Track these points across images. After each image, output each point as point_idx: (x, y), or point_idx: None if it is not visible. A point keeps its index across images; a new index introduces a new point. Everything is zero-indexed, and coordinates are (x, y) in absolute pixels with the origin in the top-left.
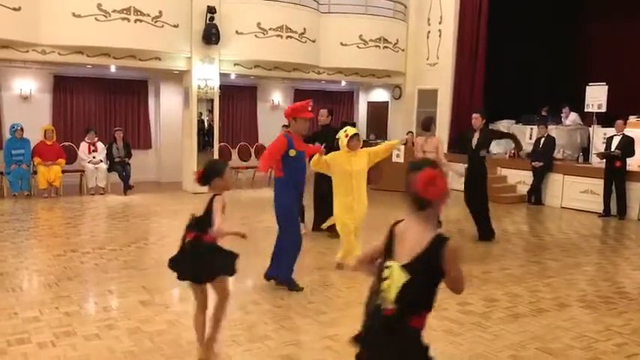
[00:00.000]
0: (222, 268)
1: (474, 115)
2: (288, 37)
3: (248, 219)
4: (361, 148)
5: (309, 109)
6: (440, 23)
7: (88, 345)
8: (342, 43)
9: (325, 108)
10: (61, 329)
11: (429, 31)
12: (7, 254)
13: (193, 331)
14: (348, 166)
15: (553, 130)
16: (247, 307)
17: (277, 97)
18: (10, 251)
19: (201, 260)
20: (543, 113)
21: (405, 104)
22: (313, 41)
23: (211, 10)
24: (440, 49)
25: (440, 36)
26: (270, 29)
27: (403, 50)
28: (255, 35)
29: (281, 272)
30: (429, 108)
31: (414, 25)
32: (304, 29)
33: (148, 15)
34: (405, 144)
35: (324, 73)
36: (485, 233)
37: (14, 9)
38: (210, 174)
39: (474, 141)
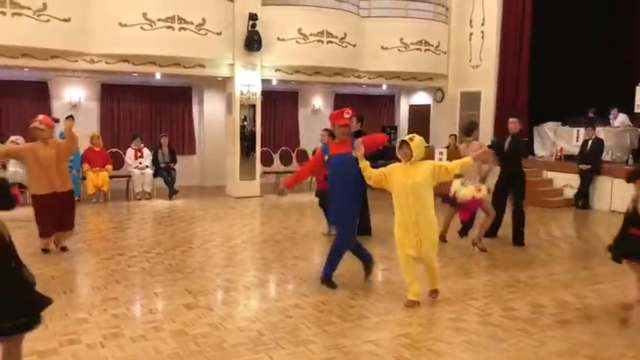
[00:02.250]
0: None
1: (512, 120)
2: (328, 42)
3: (287, 223)
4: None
5: (346, 115)
6: (482, 25)
7: (135, 346)
8: (382, 47)
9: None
10: (109, 330)
11: (471, 33)
12: (58, 258)
13: (237, 334)
14: (403, 179)
15: (601, 131)
16: (289, 311)
17: (318, 102)
18: (61, 255)
19: None
20: (590, 115)
21: (447, 107)
22: (354, 45)
23: (253, 17)
24: (483, 50)
25: (482, 38)
26: (310, 34)
27: (445, 53)
28: (296, 41)
29: (324, 268)
30: (472, 111)
31: (456, 27)
32: (345, 34)
33: (192, 23)
34: (447, 147)
35: (364, 77)
36: (518, 238)
37: (64, 20)
38: None
39: (506, 146)
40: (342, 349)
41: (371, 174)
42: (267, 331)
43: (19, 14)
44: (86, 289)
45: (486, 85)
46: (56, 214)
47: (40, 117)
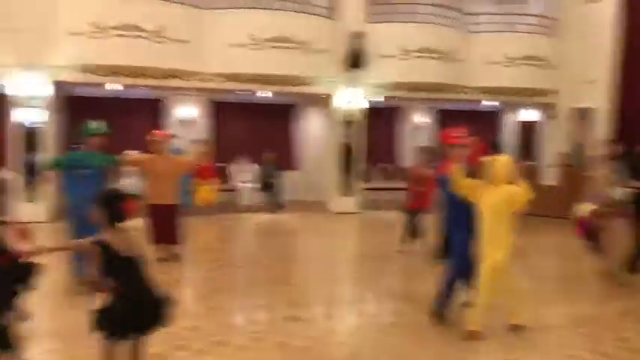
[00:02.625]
0: None
1: None
2: (431, 57)
3: (388, 240)
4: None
5: (458, 135)
6: (595, 37)
7: (240, 355)
8: (488, 62)
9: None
10: (215, 339)
11: (583, 46)
12: (167, 266)
13: (338, 348)
14: (482, 198)
15: None
16: (388, 328)
17: (419, 118)
18: (171, 263)
19: None
20: None
21: (558, 123)
22: (457, 61)
23: (357, 35)
24: (596, 64)
25: (596, 51)
26: (413, 51)
27: (554, 67)
28: (399, 57)
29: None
30: (585, 127)
31: (566, 41)
32: (447, 49)
33: (297, 42)
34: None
35: (469, 93)
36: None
37: (182, 41)
38: None
39: None
40: None
41: (464, 184)
42: (367, 348)
43: (139, 36)
44: (195, 298)
45: (602, 101)
46: (162, 227)
47: (157, 131)
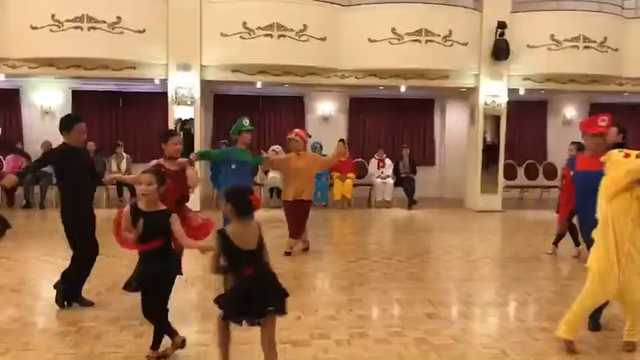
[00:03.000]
0: None
1: None
2: (585, 47)
3: (532, 241)
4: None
5: (602, 123)
6: None
7: (379, 348)
8: None
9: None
10: (355, 330)
11: None
12: (306, 257)
13: (479, 350)
14: (609, 202)
15: None
16: (535, 333)
17: (570, 112)
18: (309, 254)
19: None
20: None
21: None
22: (615, 50)
23: (501, 25)
24: None
25: None
26: (565, 40)
27: None
28: (549, 48)
29: None
30: None
31: None
32: (605, 37)
33: (439, 35)
34: None
35: (627, 85)
36: None
37: (321, 39)
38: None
39: None
40: None
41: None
42: (511, 351)
43: (284, 36)
44: (334, 289)
45: None
46: (300, 221)
47: (296, 130)
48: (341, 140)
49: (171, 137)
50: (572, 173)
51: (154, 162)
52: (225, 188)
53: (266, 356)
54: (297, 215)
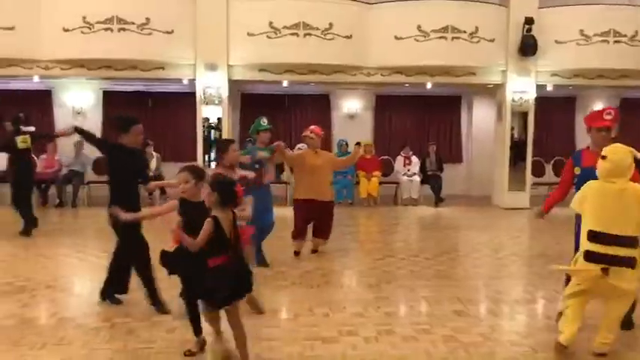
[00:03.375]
0: None
1: None
2: (615, 41)
3: (561, 239)
4: None
5: (607, 117)
6: None
7: (407, 346)
8: None
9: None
10: (382, 327)
11: None
12: (334, 254)
13: (508, 347)
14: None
15: None
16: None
17: (599, 108)
18: (336, 252)
19: None
20: None
21: None
22: None
23: (529, 21)
24: None
25: None
26: (594, 35)
27: None
28: (577, 43)
29: None
30: None
31: None
32: (635, 31)
33: (465, 31)
34: None
35: None
36: None
37: (346, 37)
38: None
39: None
40: None
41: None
42: (540, 349)
43: (310, 35)
44: (361, 286)
45: None
46: (313, 221)
47: (312, 127)
48: (357, 143)
49: (232, 144)
50: (577, 170)
51: (212, 171)
52: (211, 178)
53: (238, 337)
54: (313, 216)
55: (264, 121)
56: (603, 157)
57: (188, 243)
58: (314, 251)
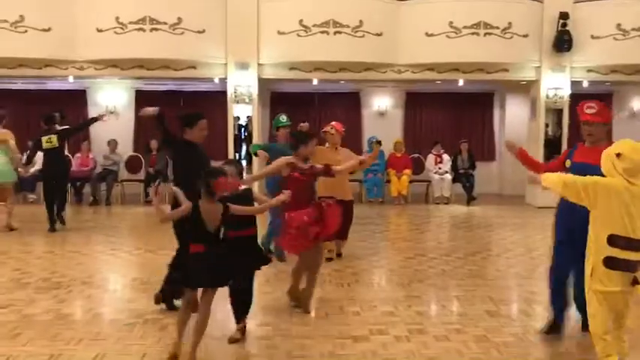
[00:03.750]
0: None
1: None
2: None
3: None
4: None
5: (588, 110)
6: None
7: (439, 345)
8: None
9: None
10: (413, 326)
11: None
12: (364, 253)
13: (542, 349)
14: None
15: None
16: None
17: (638, 104)
18: (367, 250)
19: None
20: None
21: None
22: None
23: (564, 16)
24: None
25: None
26: (632, 29)
27: None
28: (614, 38)
29: None
30: None
31: None
32: None
33: (497, 27)
34: None
35: None
36: None
37: (377, 34)
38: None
39: None
40: None
41: (565, 180)
42: (575, 350)
43: (340, 32)
44: (391, 285)
45: None
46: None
47: (333, 123)
48: (378, 142)
49: (314, 138)
50: (567, 163)
51: (285, 160)
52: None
53: (199, 322)
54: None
55: (284, 118)
56: (618, 155)
57: (158, 213)
58: (339, 255)
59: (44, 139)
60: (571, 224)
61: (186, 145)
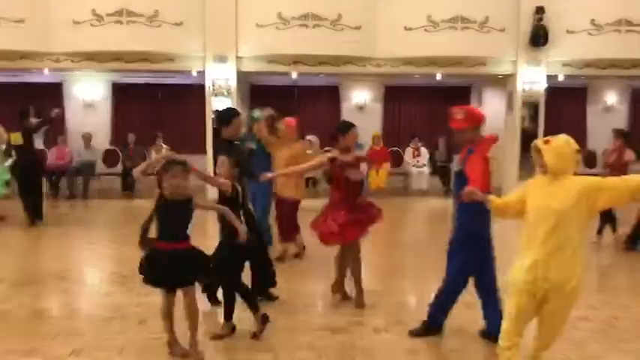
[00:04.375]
0: None
1: None
2: (627, 30)
3: None
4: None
5: (456, 116)
6: None
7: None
8: None
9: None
10: (392, 317)
11: None
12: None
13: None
14: (539, 200)
15: None
16: (576, 323)
17: (611, 99)
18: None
19: None
20: None
21: None
22: None
23: (539, 10)
24: None
25: None
26: (606, 24)
27: None
28: (589, 32)
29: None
30: None
31: None
32: None
33: (475, 21)
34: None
35: None
36: None
37: (356, 28)
38: None
39: None
40: None
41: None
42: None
43: (319, 26)
44: (370, 277)
45: None
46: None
47: (287, 119)
48: (327, 150)
49: (354, 128)
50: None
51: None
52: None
53: (191, 319)
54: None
55: (257, 113)
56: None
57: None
58: (278, 259)
59: (13, 135)
60: None
61: (226, 142)
